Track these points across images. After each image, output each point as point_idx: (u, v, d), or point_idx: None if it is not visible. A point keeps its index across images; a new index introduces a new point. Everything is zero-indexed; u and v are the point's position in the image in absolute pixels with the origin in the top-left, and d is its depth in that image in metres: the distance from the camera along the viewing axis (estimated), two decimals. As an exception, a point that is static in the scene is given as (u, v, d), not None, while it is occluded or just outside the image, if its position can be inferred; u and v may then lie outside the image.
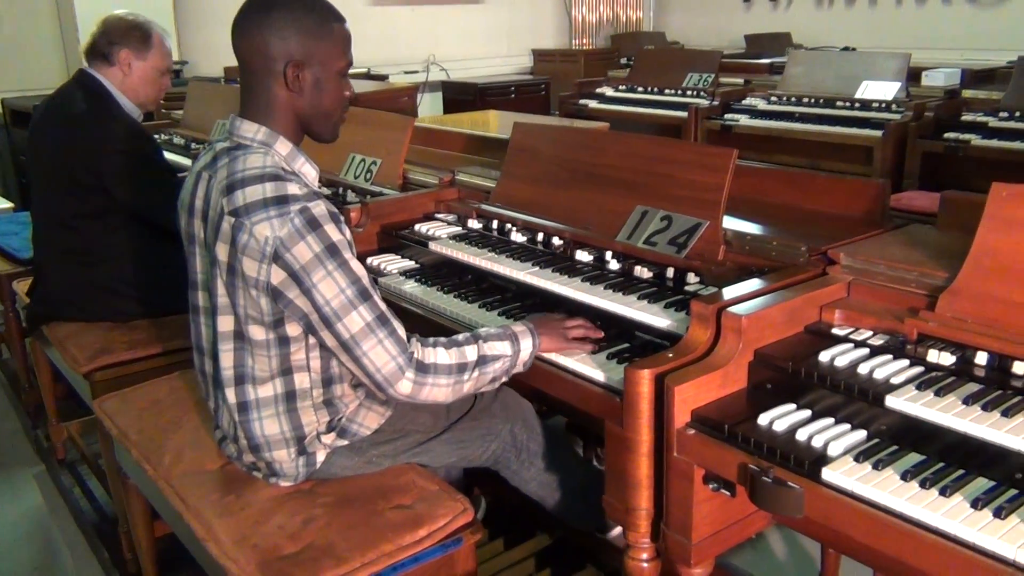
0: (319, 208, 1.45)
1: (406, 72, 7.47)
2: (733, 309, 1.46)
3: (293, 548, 1.42)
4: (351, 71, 1.65)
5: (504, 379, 1.59)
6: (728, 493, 1.37)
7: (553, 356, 1.63)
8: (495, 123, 3.45)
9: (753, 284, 1.59)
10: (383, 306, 1.48)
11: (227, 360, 1.54)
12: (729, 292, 1.55)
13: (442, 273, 2.14)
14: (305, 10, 1.53)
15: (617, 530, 2.09)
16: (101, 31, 2.51)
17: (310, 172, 1.58)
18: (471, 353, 1.52)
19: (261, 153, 1.52)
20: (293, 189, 1.46)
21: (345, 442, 1.62)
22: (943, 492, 1.15)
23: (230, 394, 1.56)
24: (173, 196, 2.50)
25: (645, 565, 1.55)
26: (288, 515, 1.51)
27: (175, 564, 2.24)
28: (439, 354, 1.50)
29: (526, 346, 1.58)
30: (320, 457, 1.60)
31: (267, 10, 1.51)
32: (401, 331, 1.49)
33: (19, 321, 3.17)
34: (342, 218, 1.50)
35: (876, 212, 1.84)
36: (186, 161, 3.49)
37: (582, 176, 2.12)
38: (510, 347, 1.56)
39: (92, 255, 2.49)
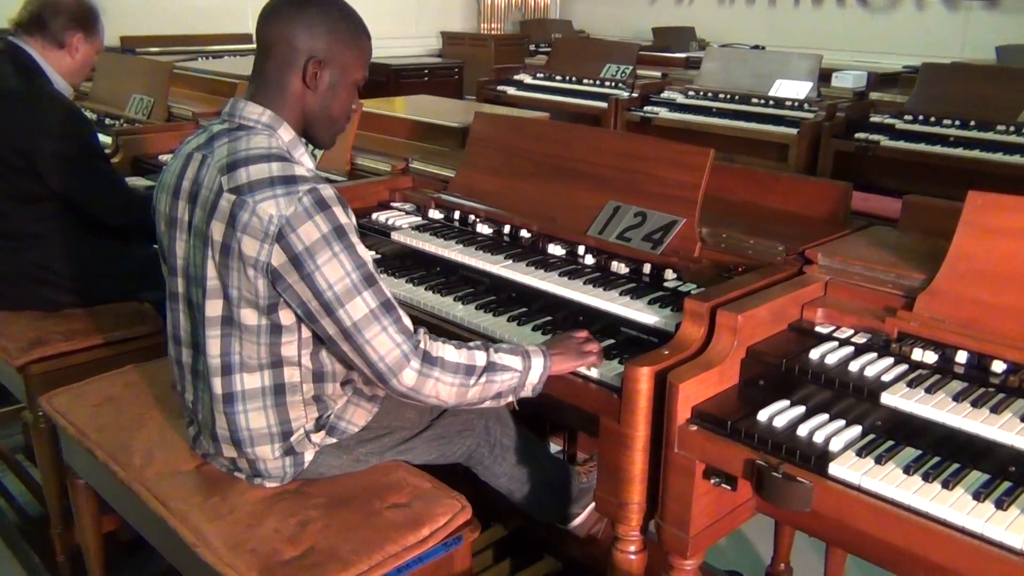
0: (327, 191, 1.43)
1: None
2: (728, 307, 1.50)
3: (294, 552, 1.38)
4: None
5: (511, 398, 1.55)
6: (729, 488, 1.40)
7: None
8: (402, 109, 3.39)
9: (739, 282, 1.64)
10: (389, 293, 1.45)
11: (214, 348, 1.48)
12: (718, 290, 1.59)
13: (407, 264, 2.11)
14: (340, 15, 1.54)
15: (577, 520, 2.12)
16: (51, 10, 2.35)
17: (308, 163, 1.53)
18: (480, 358, 1.50)
19: (265, 135, 1.49)
20: (300, 171, 1.44)
21: (333, 440, 1.58)
22: (945, 485, 1.22)
23: (216, 384, 1.50)
24: (112, 186, 2.39)
25: (633, 557, 1.58)
26: (281, 517, 1.46)
27: (118, 566, 2.15)
28: (447, 350, 1.47)
29: (536, 364, 1.53)
30: (308, 456, 1.55)
31: (304, 4, 1.51)
32: (407, 320, 1.46)
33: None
34: (347, 203, 1.46)
35: (840, 213, 1.92)
36: (102, 138, 3.30)
37: (549, 169, 2.12)
38: (520, 362, 1.52)
39: (20, 240, 2.33)
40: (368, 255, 1.45)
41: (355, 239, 1.43)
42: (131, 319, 2.32)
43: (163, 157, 3.12)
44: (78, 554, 2.23)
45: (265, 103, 1.51)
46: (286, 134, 1.52)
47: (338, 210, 1.42)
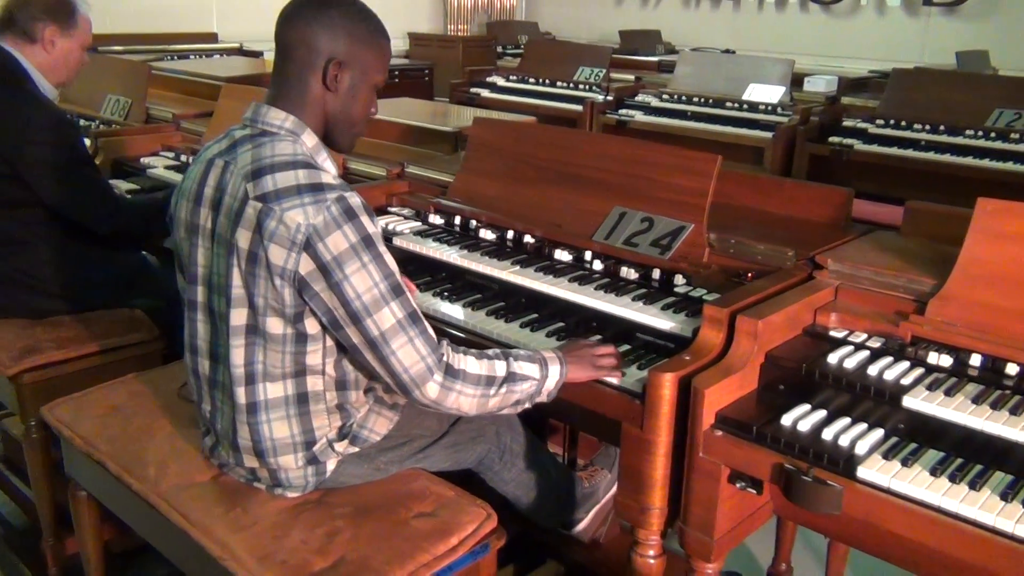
0: (355, 199, 1.41)
1: (279, 49, 7.19)
2: (747, 313, 1.52)
3: (324, 563, 1.36)
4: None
5: (527, 405, 1.56)
6: (755, 492, 1.42)
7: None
8: (388, 112, 3.37)
9: (753, 288, 1.66)
10: (415, 303, 1.44)
11: (238, 357, 1.46)
12: (734, 296, 1.61)
13: (410, 271, 2.09)
14: (360, 17, 1.53)
15: (581, 526, 2.13)
16: (21, 3, 2.28)
17: (331, 169, 1.52)
18: (500, 368, 1.49)
19: (290, 141, 1.47)
20: (327, 178, 1.43)
21: (355, 449, 1.56)
22: (972, 486, 1.25)
23: (239, 394, 1.48)
24: (99, 193, 2.34)
25: (652, 562, 1.59)
26: (307, 528, 1.44)
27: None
28: (468, 362, 1.46)
29: (553, 372, 1.54)
30: (331, 466, 1.54)
31: (323, 6, 1.49)
32: (431, 331, 1.45)
33: None
34: (372, 211, 1.45)
35: (841, 218, 1.96)
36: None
37: (552, 175, 2.13)
38: (538, 371, 1.52)
39: (5, 246, 2.27)
40: (395, 264, 1.44)
41: (382, 248, 1.42)
42: (125, 326, 2.28)
43: (144, 160, 3.06)
44: (71, 566, 2.19)
45: (286, 107, 1.50)
46: (309, 139, 1.51)
47: (365, 219, 1.41)
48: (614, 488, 2.18)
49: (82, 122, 3.42)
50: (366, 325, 1.39)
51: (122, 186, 2.92)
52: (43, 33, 2.32)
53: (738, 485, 1.43)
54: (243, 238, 1.40)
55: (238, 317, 1.45)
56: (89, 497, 1.80)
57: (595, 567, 2.16)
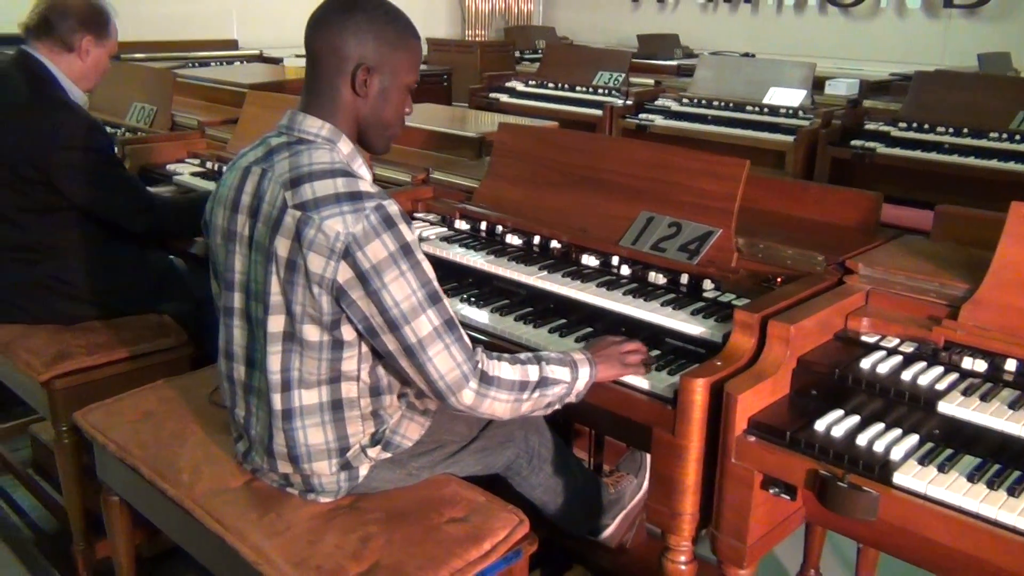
0: (393, 207, 1.42)
1: (297, 55, 7.23)
2: (778, 318, 1.51)
3: (359, 568, 1.37)
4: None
5: (558, 406, 1.56)
6: (789, 498, 1.42)
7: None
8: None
9: (784, 293, 1.65)
10: (451, 311, 1.45)
11: (274, 363, 1.47)
12: (765, 301, 1.60)
13: (438, 276, 2.07)
14: (387, 19, 1.52)
15: (607, 532, 2.13)
16: (58, 12, 2.31)
17: (367, 175, 1.53)
18: (533, 373, 1.50)
19: (326, 149, 1.48)
20: (365, 186, 1.43)
21: (388, 455, 1.57)
22: (1011, 492, 1.24)
23: (275, 400, 1.49)
24: (132, 191, 2.37)
25: (684, 568, 1.58)
26: (341, 533, 1.45)
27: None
28: (503, 368, 1.47)
29: (583, 374, 1.54)
30: (363, 471, 1.55)
31: (350, 11, 1.49)
32: (466, 338, 1.46)
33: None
34: (409, 218, 1.46)
35: (870, 223, 1.95)
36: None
37: (578, 180, 2.13)
38: (569, 373, 1.53)
39: (36, 252, 2.29)
40: (432, 272, 1.45)
41: (420, 256, 1.43)
42: (154, 332, 2.30)
43: (170, 167, 3.09)
44: (101, 570, 2.21)
45: (319, 114, 1.51)
46: (345, 147, 1.52)
47: (404, 227, 1.41)
48: (640, 493, 2.18)
49: (108, 129, 3.44)
50: (403, 332, 1.39)
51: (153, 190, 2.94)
52: (80, 43, 2.35)
53: (771, 491, 1.43)
54: (282, 246, 1.41)
55: (275, 324, 1.46)
56: (121, 502, 1.82)
57: (621, 573, 2.16)
